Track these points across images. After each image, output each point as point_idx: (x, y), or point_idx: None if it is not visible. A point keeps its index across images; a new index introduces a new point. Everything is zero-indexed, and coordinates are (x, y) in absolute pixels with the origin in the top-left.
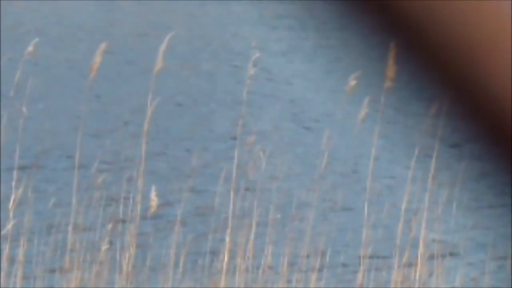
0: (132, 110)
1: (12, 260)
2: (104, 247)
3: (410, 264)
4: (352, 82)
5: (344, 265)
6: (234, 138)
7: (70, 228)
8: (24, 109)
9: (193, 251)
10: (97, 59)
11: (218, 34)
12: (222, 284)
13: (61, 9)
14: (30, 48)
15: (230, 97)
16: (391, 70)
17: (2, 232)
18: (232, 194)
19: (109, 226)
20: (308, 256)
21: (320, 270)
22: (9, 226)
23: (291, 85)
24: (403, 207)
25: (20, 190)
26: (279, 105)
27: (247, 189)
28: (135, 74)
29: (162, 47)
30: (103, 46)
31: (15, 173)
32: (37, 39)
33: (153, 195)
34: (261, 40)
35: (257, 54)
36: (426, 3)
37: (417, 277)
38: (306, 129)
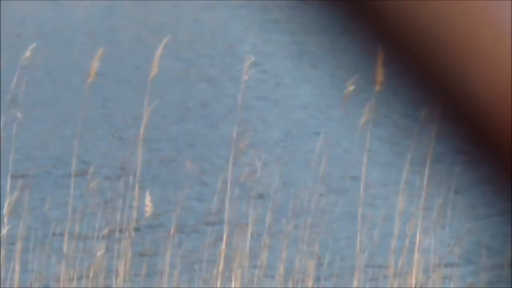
0: (129, 115)
1: (7, 266)
2: (100, 252)
3: (406, 271)
4: (350, 88)
5: (340, 271)
6: (232, 144)
7: (66, 233)
8: (19, 114)
9: (189, 257)
10: (95, 64)
11: (221, 38)
12: None
13: (60, 13)
14: (27, 53)
15: (231, 102)
16: (379, 74)
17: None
18: (227, 200)
19: (105, 231)
20: (304, 262)
21: (316, 275)
22: (4, 230)
23: (296, 90)
24: (397, 212)
25: (15, 196)
26: (283, 110)
27: (243, 195)
28: (134, 78)
29: (158, 51)
30: (100, 51)
31: (9, 179)
32: (34, 45)
33: (147, 201)
34: (264, 45)
35: (252, 58)
36: (414, 6)
37: (413, 284)
38: (313, 134)
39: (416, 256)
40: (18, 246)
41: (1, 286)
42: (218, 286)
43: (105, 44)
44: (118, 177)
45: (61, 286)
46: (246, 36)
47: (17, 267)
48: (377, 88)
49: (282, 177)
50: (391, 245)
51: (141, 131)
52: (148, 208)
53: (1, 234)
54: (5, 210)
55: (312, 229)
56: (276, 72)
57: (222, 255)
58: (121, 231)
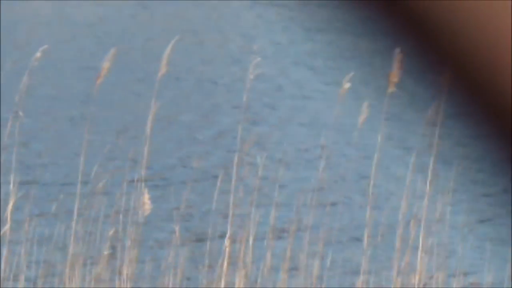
0: (136, 115)
1: (11, 264)
2: (106, 252)
3: (410, 268)
4: (346, 85)
5: (343, 269)
6: (235, 141)
7: (71, 232)
8: (20, 113)
9: (193, 256)
10: (106, 64)
11: (232, 38)
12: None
13: (68, 12)
14: (38, 54)
15: (235, 101)
16: (394, 75)
17: (2, 232)
18: (231, 198)
19: (110, 232)
20: (307, 260)
21: (319, 274)
22: (7, 226)
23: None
24: (401, 210)
25: (20, 195)
26: (291, 110)
27: (246, 192)
28: (143, 78)
29: (167, 51)
30: (113, 51)
31: (12, 176)
32: (46, 46)
33: (145, 199)
34: (275, 45)
35: (258, 59)
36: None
37: (416, 281)
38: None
39: (419, 255)
40: (23, 243)
41: (6, 282)
42: (222, 283)
43: (115, 44)
44: (123, 176)
45: (66, 283)
46: (259, 34)
47: (21, 266)
48: (391, 89)
49: (286, 176)
50: (395, 245)
51: (148, 130)
52: (147, 206)
53: (4, 229)
54: (8, 208)
55: (315, 229)
56: (284, 72)
57: (226, 255)
58: (125, 230)
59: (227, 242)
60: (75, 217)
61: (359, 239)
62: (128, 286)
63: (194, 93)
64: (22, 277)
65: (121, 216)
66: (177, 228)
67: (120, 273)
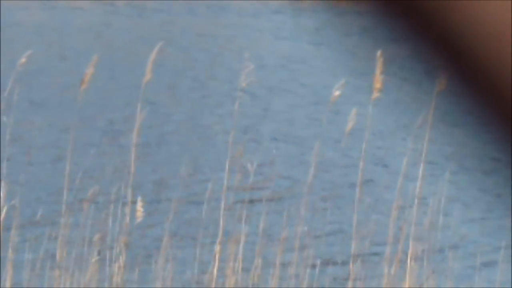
0: (122, 121)
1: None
2: (94, 259)
3: (402, 266)
4: (336, 92)
5: (334, 274)
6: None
7: (59, 239)
8: (4, 118)
9: (182, 262)
10: (89, 70)
11: (228, 46)
12: None
13: (54, 19)
14: (23, 60)
15: (226, 110)
16: (378, 81)
17: None
18: (222, 205)
19: (97, 237)
20: (297, 266)
21: (310, 278)
22: None
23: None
24: (391, 219)
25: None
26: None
27: (236, 200)
28: (127, 85)
29: (151, 58)
30: (95, 58)
31: (2, 184)
32: (30, 51)
33: (139, 206)
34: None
35: (252, 67)
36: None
37: (407, 279)
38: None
39: (409, 263)
40: (10, 249)
41: None
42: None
43: (100, 50)
44: (110, 182)
45: None
46: (258, 43)
47: (9, 274)
48: (375, 95)
49: (277, 183)
50: (385, 253)
51: (134, 137)
52: (139, 213)
53: None
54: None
55: (305, 237)
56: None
57: (216, 261)
58: (113, 237)
59: (217, 247)
60: (62, 224)
61: (348, 247)
62: None
63: (184, 99)
64: (8, 283)
65: (110, 223)
66: (166, 235)
67: (109, 279)
